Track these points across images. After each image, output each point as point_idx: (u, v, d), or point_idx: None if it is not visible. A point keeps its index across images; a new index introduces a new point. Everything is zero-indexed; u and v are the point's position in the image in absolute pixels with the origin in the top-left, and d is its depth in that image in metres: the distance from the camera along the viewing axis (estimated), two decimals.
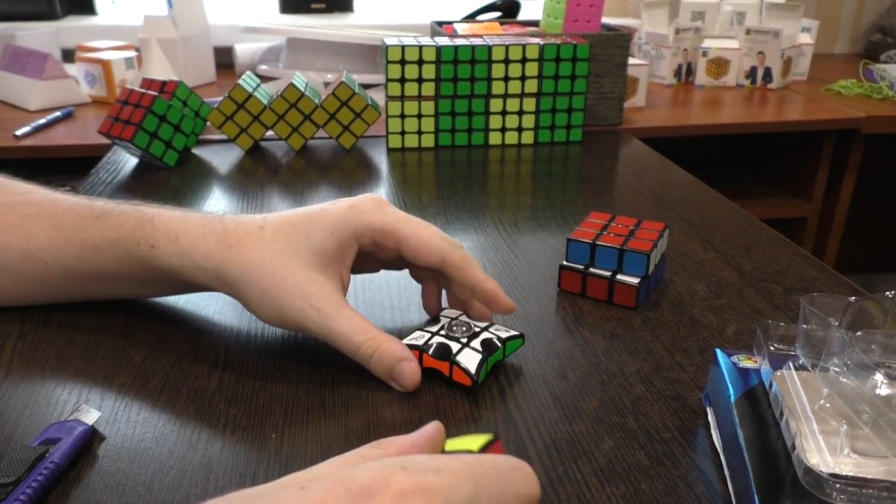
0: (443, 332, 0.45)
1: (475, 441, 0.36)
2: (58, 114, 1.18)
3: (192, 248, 0.44)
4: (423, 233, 0.45)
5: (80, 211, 0.48)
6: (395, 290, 0.55)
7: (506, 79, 0.92)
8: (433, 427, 0.30)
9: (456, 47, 0.89)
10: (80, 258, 0.47)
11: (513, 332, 0.46)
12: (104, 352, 0.47)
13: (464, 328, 0.45)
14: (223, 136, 0.93)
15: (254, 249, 0.43)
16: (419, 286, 0.51)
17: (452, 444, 0.35)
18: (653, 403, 0.43)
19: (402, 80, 0.90)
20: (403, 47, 0.89)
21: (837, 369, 0.33)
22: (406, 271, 0.50)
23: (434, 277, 0.49)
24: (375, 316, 0.52)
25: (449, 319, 0.47)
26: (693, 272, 0.60)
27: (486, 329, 0.46)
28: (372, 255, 0.47)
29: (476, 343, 0.44)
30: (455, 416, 0.41)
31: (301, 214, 0.45)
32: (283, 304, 0.43)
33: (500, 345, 0.44)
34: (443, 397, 0.43)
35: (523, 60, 0.91)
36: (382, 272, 0.51)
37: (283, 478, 0.26)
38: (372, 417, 0.41)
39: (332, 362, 0.46)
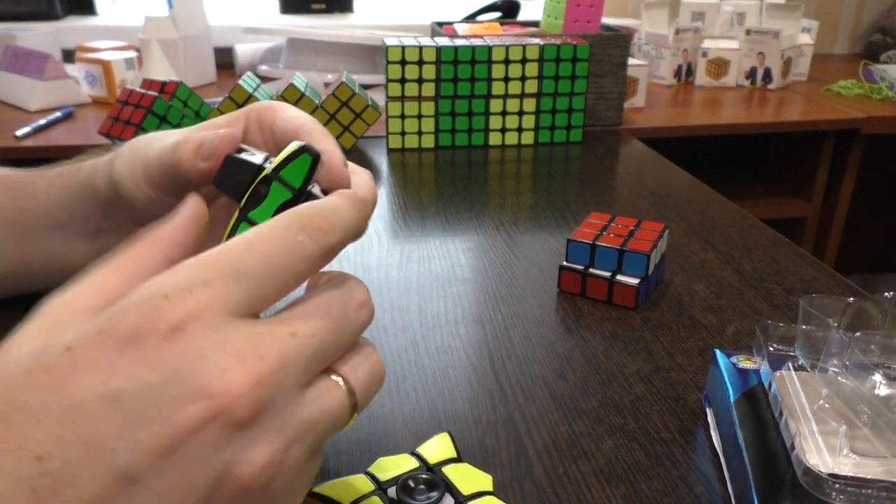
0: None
1: (484, 480, 0.35)
2: (58, 114, 1.18)
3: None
4: None
5: (21, 175, 0.47)
6: (395, 290, 0.55)
7: (506, 79, 0.92)
8: (191, 206, 0.27)
9: (456, 48, 0.89)
10: (22, 210, 0.44)
11: (288, 151, 0.29)
12: None
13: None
14: None
15: None
16: (419, 286, 0.50)
17: (463, 481, 0.34)
18: (653, 404, 0.43)
19: (403, 81, 0.90)
20: (403, 48, 0.89)
21: (837, 370, 0.33)
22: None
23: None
24: (376, 316, 0.52)
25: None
26: (693, 272, 0.60)
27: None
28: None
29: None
30: (455, 416, 0.42)
31: None
32: None
33: (271, 183, 0.29)
34: (441, 395, 0.43)
35: (523, 61, 0.91)
36: (383, 275, 0.51)
37: (41, 339, 0.22)
38: (370, 416, 0.41)
39: None
